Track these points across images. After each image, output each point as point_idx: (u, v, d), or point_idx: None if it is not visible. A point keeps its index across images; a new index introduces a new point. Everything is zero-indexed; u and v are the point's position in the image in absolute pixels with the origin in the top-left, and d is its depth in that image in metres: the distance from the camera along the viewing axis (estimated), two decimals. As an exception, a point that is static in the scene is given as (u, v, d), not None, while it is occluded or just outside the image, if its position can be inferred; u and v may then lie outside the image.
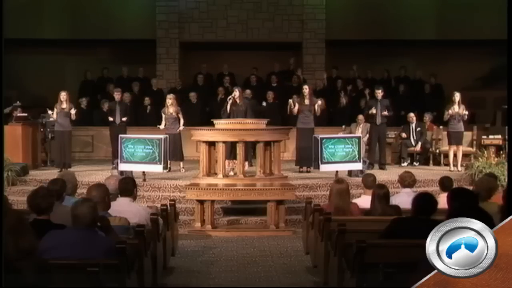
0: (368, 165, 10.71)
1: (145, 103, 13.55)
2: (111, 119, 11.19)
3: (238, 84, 13.40)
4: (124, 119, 11.12)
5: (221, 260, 7.02)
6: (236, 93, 10.58)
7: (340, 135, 11.02)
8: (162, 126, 10.83)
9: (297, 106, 10.70)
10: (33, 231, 3.99)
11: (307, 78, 14.51)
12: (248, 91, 12.29)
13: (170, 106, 10.74)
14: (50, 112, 11.10)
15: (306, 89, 10.87)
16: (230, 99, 10.54)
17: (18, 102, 11.92)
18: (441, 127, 12.27)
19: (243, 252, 7.38)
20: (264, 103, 12.78)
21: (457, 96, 10.94)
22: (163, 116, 10.82)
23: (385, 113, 11.14)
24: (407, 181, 6.88)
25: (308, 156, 10.31)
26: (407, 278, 3.48)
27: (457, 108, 10.94)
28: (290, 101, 10.95)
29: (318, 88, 14.16)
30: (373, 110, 11.15)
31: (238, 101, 10.55)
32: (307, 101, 10.72)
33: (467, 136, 11.86)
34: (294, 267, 6.73)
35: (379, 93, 11.26)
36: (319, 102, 10.93)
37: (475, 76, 14.98)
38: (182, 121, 10.74)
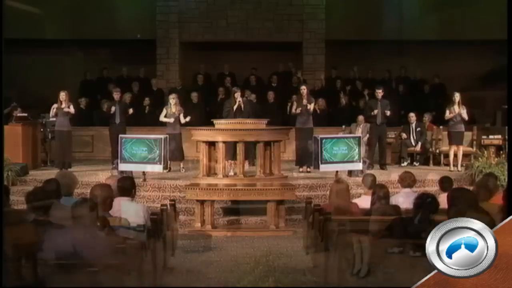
0: (368, 165, 10.71)
1: (144, 103, 13.55)
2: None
3: (238, 84, 13.41)
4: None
5: (221, 260, 7.01)
6: (238, 94, 10.67)
7: (340, 135, 11.03)
8: (162, 117, 10.82)
9: (294, 105, 10.79)
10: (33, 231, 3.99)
11: (307, 78, 14.51)
12: (253, 95, 12.31)
13: (174, 105, 10.73)
14: (55, 106, 11.05)
15: (303, 89, 10.92)
16: (238, 102, 10.59)
17: (14, 103, 11.92)
18: (441, 127, 12.26)
19: (243, 252, 7.37)
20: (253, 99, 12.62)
21: (457, 97, 10.96)
22: (165, 113, 10.78)
23: (388, 112, 11.20)
24: (407, 181, 6.88)
25: (307, 156, 10.33)
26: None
27: (457, 109, 10.95)
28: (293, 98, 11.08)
29: (317, 88, 14.17)
30: (375, 112, 11.20)
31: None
32: (305, 101, 10.76)
33: (467, 136, 11.85)
34: (294, 267, 6.72)
35: (380, 93, 11.30)
36: (319, 102, 10.97)
37: (475, 76, 14.97)
38: (183, 120, 10.72)
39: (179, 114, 10.70)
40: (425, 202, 7.03)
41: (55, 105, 10.98)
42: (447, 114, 11.03)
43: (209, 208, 8.37)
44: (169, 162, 10.57)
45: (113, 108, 11.13)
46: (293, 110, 10.83)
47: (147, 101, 13.58)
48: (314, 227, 6.97)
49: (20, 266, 5.53)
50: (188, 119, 10.73)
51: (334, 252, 6.54)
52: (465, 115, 10.92)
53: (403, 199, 6.49)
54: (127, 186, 5.87)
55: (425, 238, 5.77)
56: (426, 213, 6.89)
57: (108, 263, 5.89)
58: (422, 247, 6.87)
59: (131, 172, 9.58)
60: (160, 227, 7.60)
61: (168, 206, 8.70)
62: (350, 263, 6.24)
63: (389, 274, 6.25)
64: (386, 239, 7.35)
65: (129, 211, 5.60)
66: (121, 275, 6.51)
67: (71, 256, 4.06)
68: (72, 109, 10.99)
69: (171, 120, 10.67)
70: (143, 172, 9.81)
